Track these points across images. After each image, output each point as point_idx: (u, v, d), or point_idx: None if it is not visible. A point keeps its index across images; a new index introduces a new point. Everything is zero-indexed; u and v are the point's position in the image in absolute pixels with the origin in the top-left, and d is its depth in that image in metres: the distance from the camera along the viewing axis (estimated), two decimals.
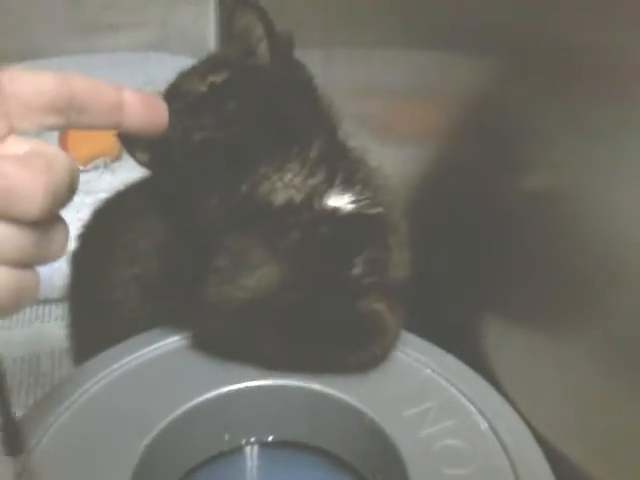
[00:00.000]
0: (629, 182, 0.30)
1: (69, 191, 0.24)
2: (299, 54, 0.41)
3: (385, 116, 0.56)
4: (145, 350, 0.41)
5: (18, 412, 0.33)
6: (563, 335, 0.35)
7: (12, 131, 0.23)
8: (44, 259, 0.24)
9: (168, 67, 0.92)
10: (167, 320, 0.42)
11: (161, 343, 0.41)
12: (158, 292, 0.41)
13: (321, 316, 0.38)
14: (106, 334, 0.43)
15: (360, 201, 0.39)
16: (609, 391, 0.32)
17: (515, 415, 0.36)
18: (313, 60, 0.42)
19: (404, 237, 0.41)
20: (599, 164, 0.32)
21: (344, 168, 0.39)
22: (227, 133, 0.37)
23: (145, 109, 0.28)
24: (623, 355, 0.32)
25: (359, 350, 0.39)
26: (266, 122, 0.37)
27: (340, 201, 0.38)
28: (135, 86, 0.93)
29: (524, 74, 0.37)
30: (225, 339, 0.40)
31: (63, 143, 0.81)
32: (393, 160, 0.54)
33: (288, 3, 0.71)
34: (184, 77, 0.40)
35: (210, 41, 0.96)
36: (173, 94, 0.39)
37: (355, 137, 0.42)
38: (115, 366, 0.39)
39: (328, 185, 0.38)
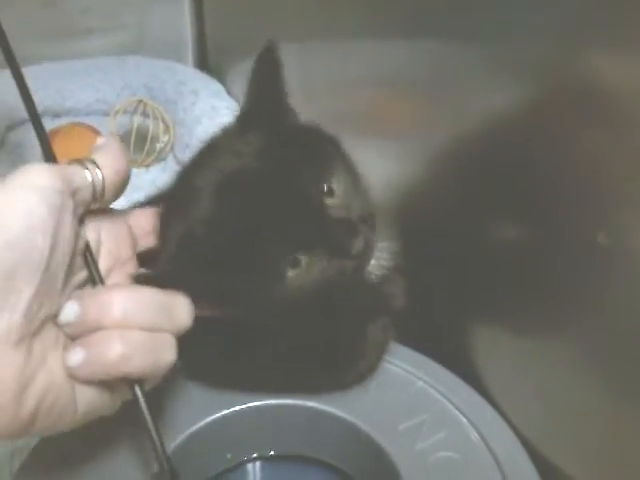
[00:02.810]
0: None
1: None
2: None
3: (365, 111, 0.55)
4: None
5: None
6: (548, 346, 0.37)
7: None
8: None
9: (145, 70, 0.92)
10: None
11: None
12: None
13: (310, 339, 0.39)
14: None
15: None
16: (593, 401, 0.34)
17: (504, 425, 0.38)
18: (290, 54, 0.42)
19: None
20: None
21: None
22: None
23: None
24: (607, 364, 0.33)
25: (344, 371, 0.40)
26: None
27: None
28: (113, 91, 0.90)
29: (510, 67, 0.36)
30: (216, 368, 0.40)
31: None
32: (375, 157, 0.54)
33: None
34: None
35: (187, 43, 0.95)
36: None
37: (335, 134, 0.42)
38: None
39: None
